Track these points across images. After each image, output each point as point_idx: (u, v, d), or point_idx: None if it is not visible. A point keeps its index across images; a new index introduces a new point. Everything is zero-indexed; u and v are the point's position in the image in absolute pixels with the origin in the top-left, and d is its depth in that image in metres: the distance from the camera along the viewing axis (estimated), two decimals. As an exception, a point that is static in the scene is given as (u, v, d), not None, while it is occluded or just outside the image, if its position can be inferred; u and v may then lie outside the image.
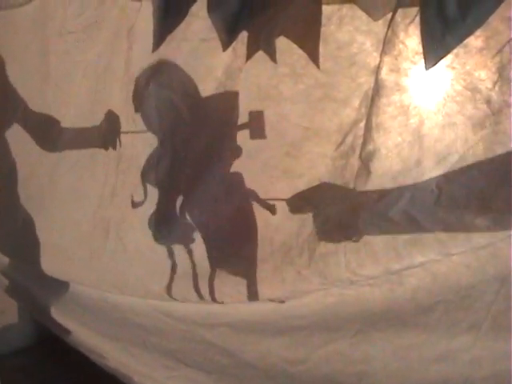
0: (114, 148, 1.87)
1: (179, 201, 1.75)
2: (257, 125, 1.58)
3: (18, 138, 2.12)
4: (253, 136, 1.60)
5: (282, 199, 1.61)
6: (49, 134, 2.03)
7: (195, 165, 1.71)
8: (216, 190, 1.69)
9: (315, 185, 1.56)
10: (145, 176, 1.79)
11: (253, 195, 1.63)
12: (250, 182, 1.66)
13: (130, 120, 1.78)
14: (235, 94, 1.59)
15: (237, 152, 1.63)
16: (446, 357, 1.53)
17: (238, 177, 1.65)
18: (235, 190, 1.66)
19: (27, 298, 2.34)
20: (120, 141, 1.84)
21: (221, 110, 1.65)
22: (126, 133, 1.81)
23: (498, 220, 1.36)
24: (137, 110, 1.76)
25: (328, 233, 1.57)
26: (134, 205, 1.85)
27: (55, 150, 2.03)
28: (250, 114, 1.59)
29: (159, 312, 1.92)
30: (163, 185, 1.78)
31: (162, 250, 1.83)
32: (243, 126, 1.60)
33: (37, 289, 2.25)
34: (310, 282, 1.61)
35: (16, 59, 2.08)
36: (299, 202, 1.60)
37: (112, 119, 1.84)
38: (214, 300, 1.77)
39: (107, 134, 1.87)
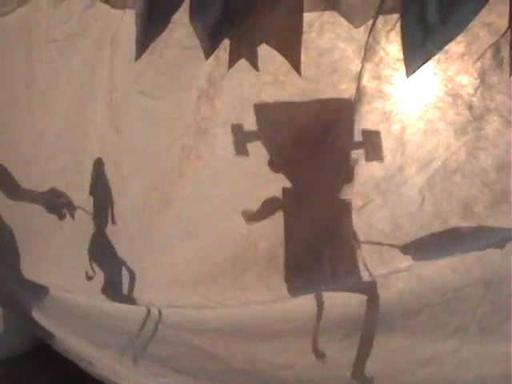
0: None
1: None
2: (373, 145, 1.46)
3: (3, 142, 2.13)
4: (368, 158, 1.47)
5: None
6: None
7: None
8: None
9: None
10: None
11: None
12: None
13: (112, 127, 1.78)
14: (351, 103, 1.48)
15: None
16: (433, 360, 1.54)
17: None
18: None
19: (13, 304, 2.34)
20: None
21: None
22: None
23: (481, 226, 1.36)
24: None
25: (312, 240, 1.57)
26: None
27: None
28: (364, 133, 1.46)
29: (148, 319, 1.92)
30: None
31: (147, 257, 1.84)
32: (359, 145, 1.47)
33: (20, 293, 2.25)
34: (295, 288, 1.61)
35: (2, 67, 2.07)
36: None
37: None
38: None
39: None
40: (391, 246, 1.47)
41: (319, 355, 1.67)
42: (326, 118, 1.51)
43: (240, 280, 1.70)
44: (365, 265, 1.52)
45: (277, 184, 1.60)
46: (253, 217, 1.66)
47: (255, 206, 1.64)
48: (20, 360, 2.70)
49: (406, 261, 1.46)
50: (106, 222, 1.91)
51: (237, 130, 1.61)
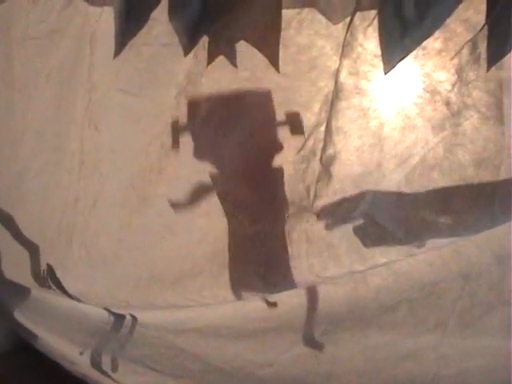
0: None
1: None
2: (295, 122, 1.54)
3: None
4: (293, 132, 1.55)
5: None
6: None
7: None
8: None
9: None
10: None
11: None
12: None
13: (91, 126, 1.77)
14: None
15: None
16: (412, 355, 1.55)
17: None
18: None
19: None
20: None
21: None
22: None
23: (460, 219, 1.37)
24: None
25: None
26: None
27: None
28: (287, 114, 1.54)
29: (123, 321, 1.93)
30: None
31: (127, 256, 1.83)
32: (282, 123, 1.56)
33: (1, 294, 2.24)
34: (274, 285, 1.61)
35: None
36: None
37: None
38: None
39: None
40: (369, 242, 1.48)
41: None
42: (247, 107, 1.57)
43: (218, 278, 1.70)
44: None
45: (204, 171, 1.64)
46: (180, 206, 1.71)
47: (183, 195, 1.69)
48: (3, 360, 2.69)
49: (383, 258, 1.47)
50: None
51: (174, 125, 1.65)
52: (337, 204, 1.47)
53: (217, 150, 1.65)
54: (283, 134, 1.54)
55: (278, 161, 1.55)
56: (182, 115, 1.62)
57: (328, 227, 1.50)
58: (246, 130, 1.58)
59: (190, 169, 1.66)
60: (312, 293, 1.64)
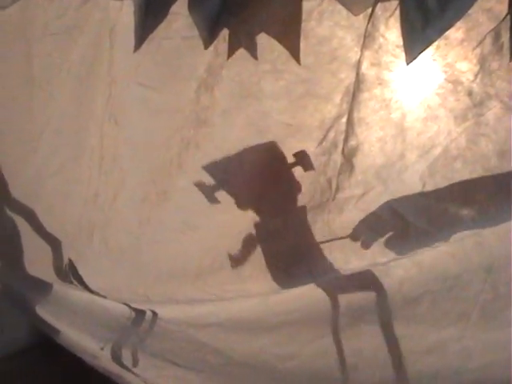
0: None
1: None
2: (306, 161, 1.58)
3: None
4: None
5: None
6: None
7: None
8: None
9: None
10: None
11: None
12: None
13: (111, 120, 1.77)
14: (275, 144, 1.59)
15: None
16: (435, 348, 1.54)
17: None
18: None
19: (17, 300, 2.34)
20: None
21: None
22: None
23: (483, 211, 1.36)
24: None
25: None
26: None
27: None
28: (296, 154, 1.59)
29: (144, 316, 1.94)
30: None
31: (147, 251, 1.83)
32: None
33: (24, 289, 2.25)
34: (298, 278, 1.61)
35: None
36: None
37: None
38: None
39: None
40: (391, 234, 1.48)
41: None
42: (259, 158, 1.60)
43: (240, 272, 1.70)
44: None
45: (249, 221, 1.67)
46: (237, 262, 1.72)
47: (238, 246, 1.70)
48: (20, 356, 2.71)
49: (406, 249, 1.46)
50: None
51: (201, 186, 1.69)
52: (359, 196, 1.47)
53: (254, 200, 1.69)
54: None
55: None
56: (203, 109, 1.62)
57: (364, 245, 1.50)
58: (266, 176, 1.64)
59: (236, 219, 1.70)
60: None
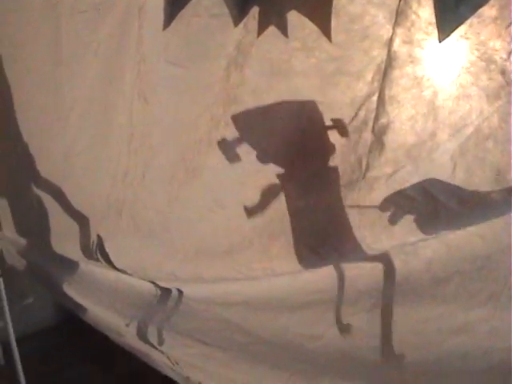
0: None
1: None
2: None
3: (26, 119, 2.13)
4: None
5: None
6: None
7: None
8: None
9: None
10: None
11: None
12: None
13: (140, 98, 1.77)
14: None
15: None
16: (464, 329, 1.53)
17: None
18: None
19: (43, 278, 2.35)
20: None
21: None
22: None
23: (512, 192, 1.35)
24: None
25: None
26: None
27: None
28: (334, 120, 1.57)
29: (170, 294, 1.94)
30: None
31: (175, 229, 1.83)
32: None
33: (51, 267, 2.26)
34: (324, 258, 1.61)
35: (28, 43, 2.07)
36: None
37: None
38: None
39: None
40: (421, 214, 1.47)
41: (343, 329, 1.67)
42: (295, 113, 1.59)
43: (267, 250, 1.70)
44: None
45: (270, 173, 1.66)
46: (254, 209, 1.71)
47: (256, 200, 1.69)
48: (47, 333, 2.74)
49: (435, 229, 1.46)
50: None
51: (223, 144, 1.69)
52: (389, 175, 1.46)
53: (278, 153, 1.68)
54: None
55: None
56: (233, 87, 1.62)
57: (392, 220, 1.49)
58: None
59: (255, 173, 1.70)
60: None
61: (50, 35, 1.96)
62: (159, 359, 2.06)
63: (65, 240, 2.13)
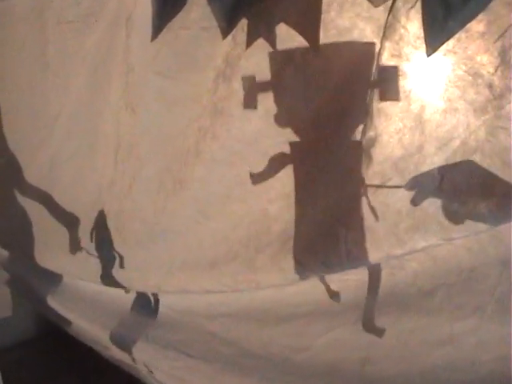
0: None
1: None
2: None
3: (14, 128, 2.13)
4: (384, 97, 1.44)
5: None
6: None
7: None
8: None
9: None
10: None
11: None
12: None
13: (128, 109, 1.77)
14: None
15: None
16: (450, 341, 1.53)
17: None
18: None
19: (27, 290, 2.35)
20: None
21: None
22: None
23: (502, 205, 1.36)
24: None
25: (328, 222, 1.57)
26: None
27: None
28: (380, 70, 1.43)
29: (160, 305, 1.93)
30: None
31: (161, 240, 1.83)
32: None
33: (34, 280, 2.26)
34: (310, 269, 1.61)
35: (14, 51, 2.07)
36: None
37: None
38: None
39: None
40: (408, 226, 1.47)
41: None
42: (344, 61, 1.49)
43: (252, 263, 1.70)
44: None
45: (284, 140, 1.58)
46: (259, 177, 1.64)
47: (262, 166, 1.63)
48: (30, 344, 2.72)
49: (423, 241, 1.46)
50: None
51: (249, 81, 1.58)
52: (377, 187, 1.46)
53: (301, 117, 1.57)
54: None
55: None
56: (220, 99, 1.62)
57: (415, 201, 1.47)
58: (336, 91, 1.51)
59: (268, 137, 1.60)
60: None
61: (36, 43, 1.97)
62: (144, 372, 2.06)
63: (50, 250, 2.12)
